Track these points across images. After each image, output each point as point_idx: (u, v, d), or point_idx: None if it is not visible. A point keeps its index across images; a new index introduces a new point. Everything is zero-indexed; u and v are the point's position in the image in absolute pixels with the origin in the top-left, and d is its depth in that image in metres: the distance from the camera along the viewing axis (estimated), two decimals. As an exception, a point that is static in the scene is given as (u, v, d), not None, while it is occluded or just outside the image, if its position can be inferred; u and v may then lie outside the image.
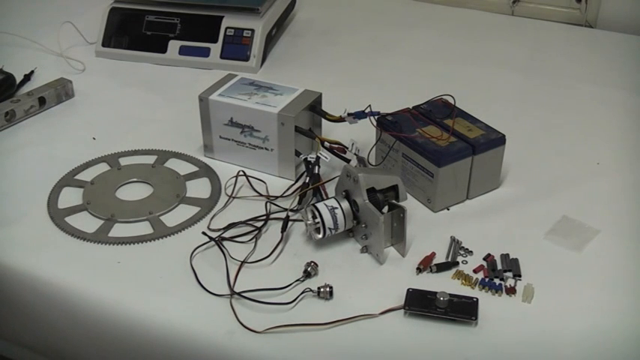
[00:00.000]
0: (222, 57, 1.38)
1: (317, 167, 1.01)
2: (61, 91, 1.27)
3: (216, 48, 1.39)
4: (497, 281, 0.88)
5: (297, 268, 0.90)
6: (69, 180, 1.07)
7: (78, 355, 0.94)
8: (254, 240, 0.95)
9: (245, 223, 0.97)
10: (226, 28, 1.39)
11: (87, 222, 0.99)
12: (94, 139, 1.18)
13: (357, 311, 0.83)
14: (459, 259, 0.92)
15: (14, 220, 0.99)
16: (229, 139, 1.09)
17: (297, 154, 1.05)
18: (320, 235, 0.92)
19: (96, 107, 1.28)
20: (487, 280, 0.88)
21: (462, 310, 0.83)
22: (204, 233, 0.96)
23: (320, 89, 1.09)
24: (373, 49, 1.48)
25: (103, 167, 1.10)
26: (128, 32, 1.43)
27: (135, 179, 1.07)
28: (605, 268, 0.91)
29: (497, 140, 1.01)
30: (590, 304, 0.86)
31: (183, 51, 1.40)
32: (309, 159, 1.02)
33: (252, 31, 1.38)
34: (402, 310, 0.84)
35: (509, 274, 0.89)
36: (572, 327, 0.83)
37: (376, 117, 1.03)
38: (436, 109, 1.07)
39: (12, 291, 0.93)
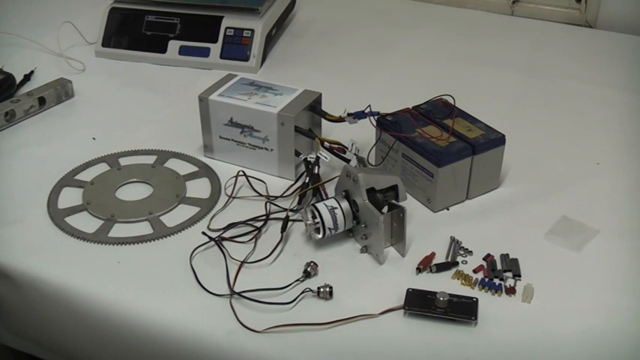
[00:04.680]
0: (222, 57, 1.38)
1: (317, 167, 1.01)
2: (61, 91, 1.28)
3: (216, 48, 1.39)
4: (496, 281, 0.88)
5: (297, 268, 0.90)
6: (69, 180, 1.07)
7: (79, 353, 0.94)
8: (254, 240, 0.95)
9: (245, 223, 0.97)
10: (226, 28, 1.39)
11: (87, 222, 0.99)
12: (94, 139, 1.18)
13: (357, 311, 0.83)
14: (459, 259, 0.92)
15: (14, 220, 0.99)
16: (229, 139, 1.09)
17: (297, 154, 1.05)
18: (320, 235, 0.92)
19: (96, 107, 1.28)
20: (487, 280, 0.88)
21: (462, 310, 0.83)
22: (204, 233, 0.96)
23: (320, 89, 1.10)
24: (373, 49, 1.48)
25: (103, 167, 1.10)
26: (128, 32, 1.43)
27: (135, 179, 1.07)
28: (605, 268, 0.91)
29: (497, 140, 1.01)
30: (590, 304, 0.86)
31: (183, 51, 1.40)
32: (308, 159, 1.02)
33: (252, 31, 1.38)
34: (402, 310, 0.84)
35: (509, 274, 0.89)
36: (571, 327, 0.83)
37: (376, 117, 1.03)
38: (436, 109, 1.07)
39: (12, 291, 0.93)
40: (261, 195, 1.03)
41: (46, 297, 0.91)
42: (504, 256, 0.92)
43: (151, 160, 1.12)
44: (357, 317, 0.83)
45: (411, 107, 1.07)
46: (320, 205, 0.92)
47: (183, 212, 1.01)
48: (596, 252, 0.94)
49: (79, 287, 0.89)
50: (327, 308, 0.85)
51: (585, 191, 1.05)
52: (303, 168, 1.04)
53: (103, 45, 1.43)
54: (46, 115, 1.24)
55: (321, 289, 0.86)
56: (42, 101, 1.24)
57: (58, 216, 1.00)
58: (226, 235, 0.96)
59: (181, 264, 0.91)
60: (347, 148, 1.04)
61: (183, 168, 1.10)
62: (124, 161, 1.12)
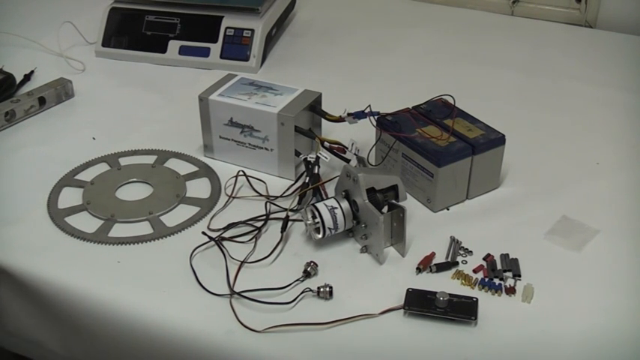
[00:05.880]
0: (222, 57, 1.38)
1: (317, 167, 1.01)
2: (61, 91, 1.28)
3: (216, 48, 1.39)
4: (496, 281, 0.88)
5: (297, 268, 0.90)
6: (69, 180, 1.07)
7: (79, 353, 0.94)
8: (254, 240, 0.95)
9: (245, 223, 0.97)
10: (226, 28, 1.39)
11: (87, 222, 0.99)
12: (94, 139, 1.18)
13: (357, 311, 0.83)
14: (459, 259, 0.92)
15: (14, 220, 0.99)
16: (229, 139, 1.09)
17: (297, 154, 1.05)
18: (320, 235, 0.92)
19: (96, 107, 1.28)
20: (487, 280, 0.88)
21: (462, 310, 0.83)
22: (204, 233, 0.96)
23: (320, 89, 1.10)
24: (373, 49, 1.48)
25: (103, 167, 1.10)
26: (128, 32, 1.43)
27: (135, 179, 1.07)
28: (605, 268, 0.91)
29: (497, 140, 1.01)
30: (590, 304, 0.86)
31: (183, 51, 1.40)
32: (308, 159, 1.02)
33: (252, 31, 1.38)
34: (402, 310, 0.84)
35: (509, 274, 0.89)
36: (571, 327, 0.83)
37: (376, 117, 1.03)
38: (436, 109, 1.07)
39: (12, 291, 0.93)
40: (261, 195, 1.03)
41: (46, 297, 0.91)
42: (504, 256, 0.92)
43: (151, 160, 1.12)
44: (357, 317, 0.83)
45: (411, 107, 1.07)
46: (320, 205, 0.92)
47: (183, 212, 1.01)
48: (596, 252, 0.94)
49: (79, 287, 0.89)
50: (327, 308, 0.85)
51: (585, 191, 1.05)
52: (303, 168, 1.04)
53: (103, 45, 1.43)
54: (46, 115, 1.24)
55: (321, 289, 0.86)
56: (42, 101, 1.24)
57: (58, 216, 1.00)
58: (226, 235, 0.96)
59: (181, 264, 0.91)
60: (347, 148, 1.05)
61: (183, 168, 1.10)
62: (124, 161, 1.12)
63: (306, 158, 1.02)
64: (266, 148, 1.06)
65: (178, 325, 0.84)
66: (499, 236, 0.96)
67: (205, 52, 1.39)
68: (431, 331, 0.82)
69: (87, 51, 1.44)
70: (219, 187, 1.06)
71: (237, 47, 1.38)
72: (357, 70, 1.40)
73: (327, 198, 0.95)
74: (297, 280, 0.88)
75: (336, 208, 0.92)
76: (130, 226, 0.98)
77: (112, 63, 1.42)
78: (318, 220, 0.91)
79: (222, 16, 1.40)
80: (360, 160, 1.03)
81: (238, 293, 0.86)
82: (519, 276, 0.89)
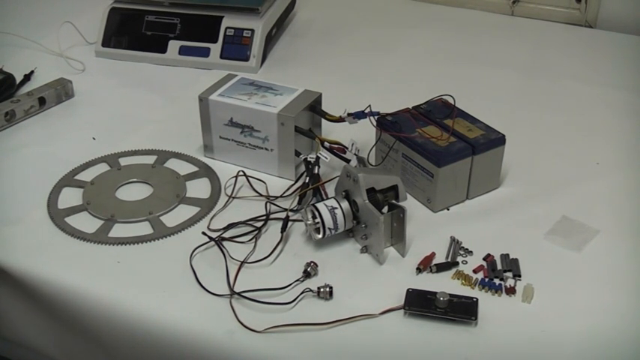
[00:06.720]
0: (222, 57, 1.38)
1: (317, 167, 1.01)
2: (61, 91, 1.28)
3: (216, 48, 1.39)
4: (497, 281, 0.88)
5: (297, 268, 0.90)
6: (69, 180, 1.07)
7: (79, 353, 0.94)
8: (254, 240, 0.95)
9: (245, 223, 0.97)
10: (226, 28, 1.39)
11: (87, 222, 0.99)
12: (94, 139, 1.18)
13: (357, 311, 0.83)
14: (459, 259, 0.92)
15: (14, 220, 0.99)
16: (229, 139, 1.09)
17: (297, 154, 1.05)
18: (320, 235, 0.92)
19: (96, 107, 1.28)
20: (487, 280, 0.88)
21: (462, 310, 0.83)
22: (204, 233, 0.96)
23: (320, 89, 1.10)
24: (373, 49, 1.48)
25: (103, 167, 1.10)
26: (128, 32, 1.43)
27: (135, 179, 1.07)
28: (605, 268, 0.91)
29: (497, 140, 1.01)
30: (590, 304, 0.86)
31: (183, 51, 1.40)
32: (309, 159, 1.02)
33: (252, 31, 1.38)
34: (402, 310, 0.84)
35: (509, 274, 0.89)
36: (571, 327, 0.83)
37: (376, 117, 1.03)
38: (436, 109, 1.07)
39: (12, 291, 0.93)
40: (261, 195, 1.03)
41: (46, 297, 0.91)
42: (504, 256, 0.92)
43: (151, 160, 1.12)
44: (357, 317, 0.83)
45: (411, 107, 1.07)
46: (320, 205, 0.92)
47: (183, 212, 1.01)
48: (596, 252, 0.94)
49: (79, 287, 0.89)
50: (327, 308, 0.85)
51: (585, 191, 1.05)
52: (303, 168, 1.04)
53: (103, 45, 1.43)
54: (46, 115, 1.24)
55: (321, 289, 0.86)
56: (42, 101, 1.24)
57: (58, 216, 1.00)
58: (226, 235, 0.96)
59: (181, 264, 0.91)
60: (347, 148, 1.05)
61: (183, 168, 1.10)
62: (124, 161, 1.12)
63: (306, 158, 1.02)
64: (266, 148, 1.06)
65: (178, 325, 0.84)
66: (499, 236, 0.96)
67: (205, 52, 1.39)
68: (431, 331, 0.82)
69: (87, 51, 1.44)
70: (219, 187, 1.06)
71: (237, 47, 1.38)
72: (357, 70, 1.40)
73: (327, 198, 0.95)
74: (297, 281, 0.88)
75: (336, 208, 0.92)
76: (130, 226, 0.98)
77: (112, 63, 1.42)
78: (318, 220, 0.91)
79: (222, 16, 1.40)
80: (360, 160, 1.03)
81: (238, 293, 0.86)
82: (519, 276, 0.89)
